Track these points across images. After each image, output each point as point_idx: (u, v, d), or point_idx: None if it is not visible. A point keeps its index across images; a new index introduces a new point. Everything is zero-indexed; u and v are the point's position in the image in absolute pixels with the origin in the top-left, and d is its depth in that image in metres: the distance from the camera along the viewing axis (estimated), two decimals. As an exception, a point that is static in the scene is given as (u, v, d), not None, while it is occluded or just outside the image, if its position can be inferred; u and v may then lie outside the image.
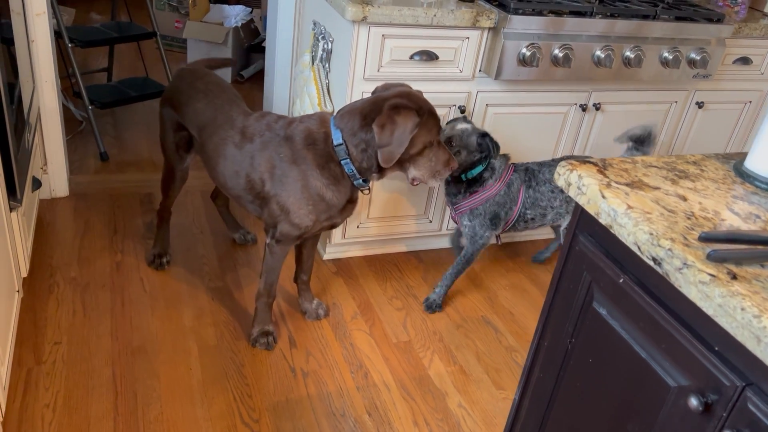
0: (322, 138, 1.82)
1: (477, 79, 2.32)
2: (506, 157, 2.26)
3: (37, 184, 2.30)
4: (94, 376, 1.88)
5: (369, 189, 1.93)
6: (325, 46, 2.34)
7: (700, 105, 2.71)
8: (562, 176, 1.16)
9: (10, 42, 2.16)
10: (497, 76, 2.26)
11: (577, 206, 1.19)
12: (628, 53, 2.37)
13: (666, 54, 2.43)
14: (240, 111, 1.97)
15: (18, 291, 1.94)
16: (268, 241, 1.96)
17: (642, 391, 1.04)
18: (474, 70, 2.29)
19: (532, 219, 2.31)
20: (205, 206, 2.77)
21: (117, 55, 3.79)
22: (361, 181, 1.86)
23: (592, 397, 1.16)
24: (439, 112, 2.31)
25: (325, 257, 2.58)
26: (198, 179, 2.92)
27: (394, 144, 1.74)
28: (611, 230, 1.05)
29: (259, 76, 4.06)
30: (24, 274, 2.06)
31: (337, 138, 1.80)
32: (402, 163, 1.83)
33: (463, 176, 2.20)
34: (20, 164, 1.95)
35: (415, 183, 1.90)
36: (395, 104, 1.73)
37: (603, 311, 1.13)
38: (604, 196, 1.07)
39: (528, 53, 2.22)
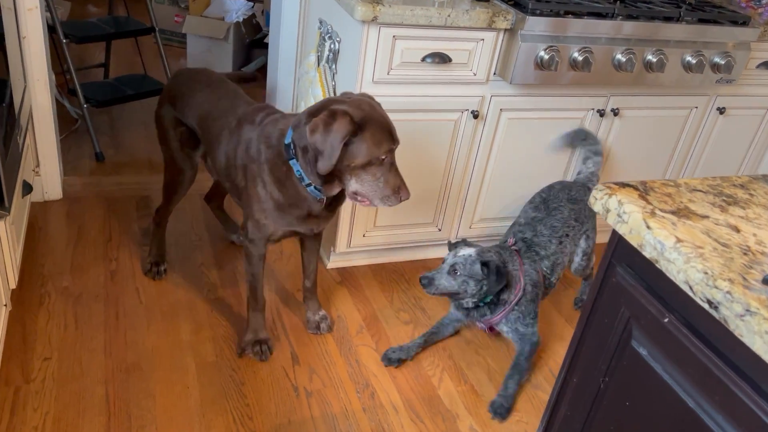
0: (277, 135, 1.76)
1: (491, 83, 2.21)
2: (512, 255, 2.02)
3: (27, 188, 2.19)
4: (85, 396, 1.78)
5: (322, 201, 1.77)
6: (332, 46, 2.22)
7: (721, 111, 2.60)
8: (599, 201, 1.06)
9: (2, 39, 2.05)
10: (513, 80, 2.15)
11: (614, 234, 1.09)
12: (650, 57, 2.26)
13: (689, 58, 2.32)
14: (243, 101, 1.97)
15: (5, 305, 1.83)
16: (243, 242, 1.93)
17: (689, 444, 0.94)
18: (488, 73, 2.18)
19: (557, 279, 2.12)
20: (204, 212, 2.66)
21: (114, 51, 3.67)
22: (313, 188, 1.74)
23: (629, 444, 1.06)
24: (452, 116, 2.21)
25: (329, 266, 2.47)
26: (195, 182, 2.80)
27: (326, 150, 1.61)
28: (657, 265, 0.94)
29: (260, 73, 3.94)
30: (12, 286, 1.95)
31: (288, 137, 1.73)
32: (342, 175, 1.69)
33: (481, 303, 1.99)
34: (8, 170, 1.84)
35: (359, 199, 1.72)
36: (334, 109, 1.61)
37: (643, 351, 1.02)
38: (649, 227, 0.96)
39: (546, 56, 2.11)
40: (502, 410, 1.93)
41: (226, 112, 1.92)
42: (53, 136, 2.51)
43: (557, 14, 2.11)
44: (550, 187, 2.24)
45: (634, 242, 0.98)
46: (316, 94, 2.26)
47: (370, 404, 1.91)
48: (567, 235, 2.11)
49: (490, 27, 2.06)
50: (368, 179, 1.67)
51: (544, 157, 2.44)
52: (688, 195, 1.07)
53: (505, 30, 2.11)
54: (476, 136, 2.29)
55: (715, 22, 2.33)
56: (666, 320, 0.97)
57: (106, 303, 2.11)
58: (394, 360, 2.05)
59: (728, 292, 0.83)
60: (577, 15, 2.14)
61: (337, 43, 2.20)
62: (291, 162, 1.73)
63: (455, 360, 2.12)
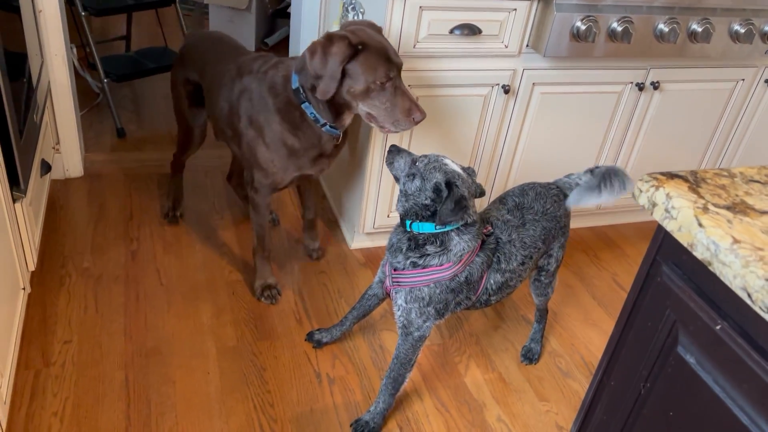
0: (282, 82, 1.79)
1: (523, 56, 2.09)
2: (477, 236, 1.62)
3: (46, 167, 2.15)
4: (105, 381, 1.75)
5: (338, 137, 1.84)
6: (356, 18, 2.12)
7: (769, 83, 2.44)
8: (644, 193, 0.96)
9: (16, 11, 1.99)
10: (546, 53, 2.02)
11: (660, 228, 0.99)
12: (694, 26, 2.11)
13: (737, 27, 2.16)
14: (242, 51, 2.02)
15: (24, 288, 1.80)
16: (248, 192, 1.97)
17: (742, 464, 0.85)
18: (521, 45, 2.06)
19: (497, 301, 1.75)
20: (227, 189, 2.61)
21: (135, 23, 3.60)
22: (328, 126, 1.80)
23: (673, 458, 0.98)
24: (481, 91, 2.10)
25: (353, 246, 2.40)
26: (218, 158, 2.76)
27: (326, 75, 1.65)
28: (710, 267, 0.85)
29: (284, 44, 3.85)
30: (32, 268, 1.92)
31: (294, 81, 1.76)
32: (349, 104, 1.73)
33: (407, 223, 1.60)
34: (24, 150, 1.80)
35: (373, 123, 1.75)
36: (331, 33, 1.66)
37: (691, 359, 0.93)
38: (701, 225, 0.86)
39: (583, 27, 1.98)
40: (367, 429, 1.68)
41: (226, 61, 1.97)
42: (73, 113, 2.46)
43: (595, -19, 1.97)
44: (524, 192, 1.80)
45: (683, 241, 0.89)
46: (338, 69, 2.16)
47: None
48: (531, 258, 1.73)
49: (523, -4, 1.94)
50: (376, 103, 1.70)
51: (579, 134, 2.32)
52: (745, 187, 0.96)
53: (539, -1, 1.98)
54: (507, 112, 2.18)
55: (767, -13, 2.16)
56: (718, 327, 0.87)
57: (127, 284, 2.08)
58: (315, 341, 1.96)
59: (794, 303, 0.73)
60: (617, -18, 2.00)
61: (360, 15, 2.09)
62: (303, 106, 1.76)
63: (483, 346, 2.05)
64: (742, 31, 2.16)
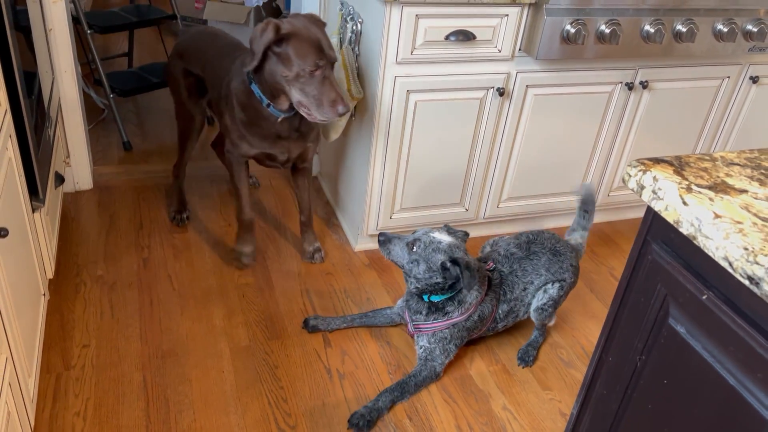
0: (242, 66, 1.98)
1: (516, 59, 2.17)
2: (484, 280, 1.91)
3: (60, 179, 2.23)
4: (124, 382, 1.82)
5: (282, 120, 1.99)
6: (354, 27, 2.20)
7: (754, 80, 2.53)
8: (633, 177, 1.04)
9: (27, 31, 2.07)
10: (538, 56, 2.11)
11: (649, 210, 1.07)
12: (679, 27, 2.20)
13: (720, 26, 2.26)
14: (242, 48, 2.16)
15: (44, 294, 1.87)
16: (225, 157, 2.19)
17: (730, 422, 0.92)
18: (513, 49, 2.14)
19: (504, 326, 2.02)
20: (232, 197, 2.68)
21: (137, 40, 3.69)
22: (272, 108, 1.96)
23: (669, 422, 1.05)
24: (477, 94, 2.19)
25: (357, 248, 2.48)
26: (222, 169, 2.83)
27: (254, 50, 1.84)
28: (695, 241, 0.92)
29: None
30: (50, 275, 1.99)
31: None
32: (284, 87, 1.89)
33: (424, 297, 1.87)
34: (42, 161, 1.87)
35: (303, 111, 1.90)
36: (268, 20, 1.83)
37: (681, 329, 1.01)
38: (685, 203, 0.94)
39: (572, 30, 2.07)
40: (362, 421, 1.75)
41: (226, 57, 2.14)
42: (82, 127, 2.54)
43: (583, -14, 2.07)
44: (540, 232, 2.05)
45: (670, 219, 0.96)
46: (339, 77, 2.24)
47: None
48: (532, 283, 1.95)
49: (514, 2, 2.02)
50: (305, 91, 1.86)
51: (572, 133, 2.41)
52: (725, 169, 1.04)
53: (530, 5, 2.07)
54: (502, 114, 2.27)
55: (747, -13, 2.26)
56: (704, 297, 0.95)
57: (140, 290, 2.15)
58: (309, 327, 2.05)
59: (770, 268, 0.81)
60: (604, -14, 2.09)
61: (359, 24, 2.18)
62: (252, 86, 1.95)
63: (486, 340, 2.12)
64: (725, 30, 2.26)
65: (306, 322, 2.06)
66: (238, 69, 2.02)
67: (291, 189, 2.78)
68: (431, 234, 1.81)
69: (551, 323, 2.11)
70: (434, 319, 1.88)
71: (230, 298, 2.17)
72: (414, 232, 1.86)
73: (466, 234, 1.92)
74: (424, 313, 1.88)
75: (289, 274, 2.31)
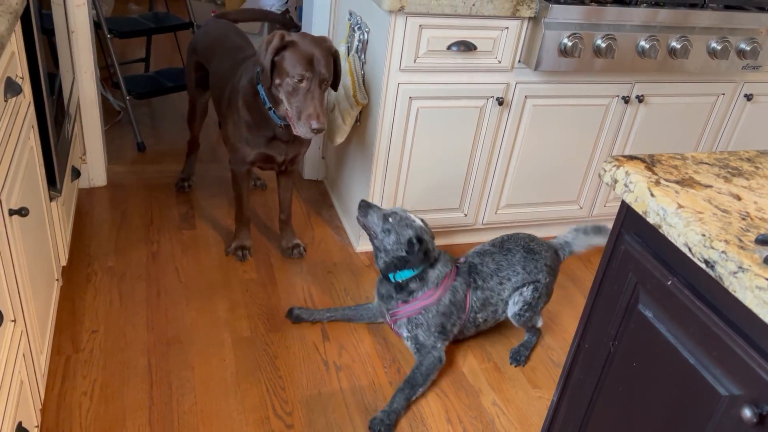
0: (252, 69, 2.10)
1: (516, 70, 2.26)
2: (449, 263, 2.00)
3: (76, 173, 2.33)
4: (129, 366, 1.90)
5: (282, 127, 2.09)
6: (361, 36, 2.31)
7: (748, 97, 2.60)
8: (608, 173, 1.12)
9: (50, 33, 2.19)
10: (537, 67, 2.20)
11: (623, 204, 1.15)
12: (674, 43, 2.29)
13: (714, 44, 2.34)
14: (246, 50, 2.31)
15: (57, 280, 1.97)
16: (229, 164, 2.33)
17: (690, 399, 0.99)
18: (513, 60, 2.24)
19: (484, 321, 2.05)
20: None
21: (154, 46, 3.82)
22: (272, 112, 2.06)
23: (636, 402, 1.12)
24: (477, 103, 2.28)
25: (358, 249, 2.56)
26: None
27: (262, 60, 1.97)
28: (660, 230, 1.00)
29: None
30: (63, 263, 2.09)
31: (258, 68, 2.05)
32: (278, 95, 2.01)
33: (390, 276, 1.96)
34: (60, 155, 1.98)
35: (289, 121, 2.01)
36: (276, 32, 1.98)
37: (649, 314, 1.08)
38: (653, 195, 1.02)
39: (569, 43, 2.16)
40: (382, 427, 1.78)
41: (229, 59, 2.29)
42: (99, 126, 2.65)
43: (581, 2, 2.16)
44: (516, 234, 2.14)
45: (639, 210, 1.04)
46: (346, 84, 2.34)
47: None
48: (509, 279, 2.02)
49: (514, 15, 2.12)
50: (290, 102, 1.97)
51: (570, 144, 2.49)
52: (694, 167, 1.12)
53: (529, 18, 2.16)
54: (501, 123, 2.35)
55: (741, 8, 2.34)
56: (669, 283, 1.03)
57: (148, 282, 2.24)
58: (293, 316, 2.14)
59: (723, 252, 0.89)
60: (601, 3, 2.18)
61: (366, 34, 2.28)
62: (258, 86, 2.06)
63: (479, 339, 2.19)
64: (719, 48, 2.34)
65: (290, 312, 2.15)
66: (246, 71, 2.14)
67: (296, 192, 2.87)
68: (408, 213, 1.96)
69: (539, 324, 2.17)
70: (402, 301, 1.96)
71: (234, 291, 2.25)
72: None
73: (424, 221, 2.03)
74: (393, 295, 1.97)
75: (292, 272, 2.39)
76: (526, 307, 2.04)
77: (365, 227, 1.99)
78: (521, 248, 2.07)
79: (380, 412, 1.83)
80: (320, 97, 1.97)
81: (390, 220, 1.92)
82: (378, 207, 1.98)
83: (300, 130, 1.98)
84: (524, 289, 2.04)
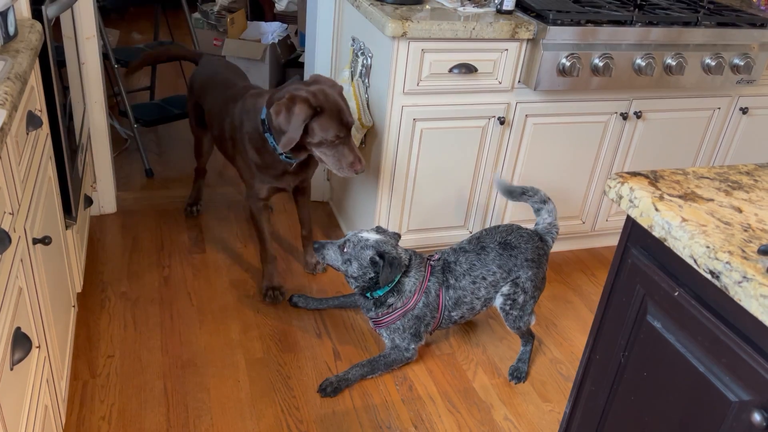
0: (254, 112, 2.11)
1: (516, 90, 2.32)
2: (422, 266, 2.02)
3: (88, 201, 2.38)
4: (146, 389, 1.93)
5: (292, 165, 2.15)
6: (365, 61, 2.37)
7: (744, 111, 2.66)
8: (613, 189, 1.16)
9: (62, 65, 2.25)
10: (536, 87, 2.26)
11: (629, 218, 1.19)
12: (669, 60, 2.35)
13: (708, 60, 2.40)
14: (241, 82, 2.36)
15: (73, 306, 2.00)
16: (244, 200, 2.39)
17: (701, 406, 1.03)
18: (513, 81, 2.30)
19: (461, 317, 2.06)
20: (247, 222, 2.82)
21: (159, 75, 3.89)
22: (284, 156, 2.09)
23: (649, 411, 1.16)
24: (479, 123, 2.33)
25: (367, 269, 2.60)
26: (239, 194, 2.99)
27: (290, 131, 1.94)
28: (665, 243, 1.04)
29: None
30: (78, 289, 2.13)
31: (263, 113, 2.07)
32: (306, 147, 2.04)
33: (367, 294, 2.00)
34: (75, 183, 2.02)
35: (324, 164, 2.06)
36: (294, 94, 1.94)
37: (658, 325, 1.12)
38: (657, 209, 1.06)
39: (567, 63, 2.22)
40: (330, 388, 1.96)
41: (219, 96, 2.33)
42: (108, 154, 2.71)
43: (577, 23, 2.22)
44: (495, 227, 2.12)
45: (644, 224, 1.09)
46: (351, 107, 2.40)
47: (409, 396, 2.02)
48: (484, 278, 2.01)
49: (513, 38, 2.18)
50: (326, 153, 2.03)
51: (571, 160, 2.54)
52: (696, 182, 1.17)
53: (528, 40, 2.22)
54: (503, 142, 2.41)
55: (733, 25, 2.41)
56: (676, 294, 1.07)
57: (161, 306, 2.27)
58: (292, 302, 2.30)
59: (728, 263, 0.93)
60: (597, 23, 2.25)
61: (369, 59, 2.34)
62: (266, 135, 2.07)
63: (489, 355, 2.22)
64: (713, 64, 2.40)
65: (290, 298, 2.34)
66: (245, 114, 2.14)
67: (304, 214, 2.91)
68: (359, 234, 1.97)
69: (532, 322, 2.12)
70: (383, 314, 2.01)
71: (246, 313, 2.29)
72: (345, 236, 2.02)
73: (398, 235, 2.06)
74: (373, 310, 2.02)
75: (302, 291, 2.43)
76: (510, 303, 2.03)
77: (330, 266, 2.05)
78: (497, 244, 2.03)
79: (334, 376, 2.01)
80: (352, 142, 2.05)
81: (346, 249, 1.95)
82: (331, 242, 2.01)
83: (341, 173, 2.06)
84: (504, 286, 2.03)
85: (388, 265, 1.90)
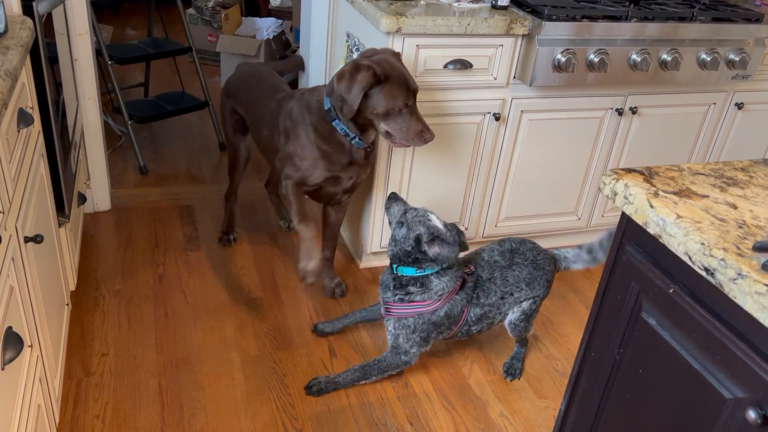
0: (316, 104, 2.08)
1: (511, 86, 2.32)
2: (457, 278, 1.93)
3: (82, 199, 2.36)
4: (140, 388, 1.92)
5: (369, 147, 2.11)
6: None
7: (739, 106, 2.66)
8: (608, 185, 1.16)
9: (53, 61, 2.23)
10: (532, 83, 2.25)
11: (623, 215, 1.18)
12: (664, 56, 2.34)
13: (704, 56, 2.40)
14: (281, 90, 2.30)
15: (67, 304, 1.99)
16: (280, 189, 2.25)
17: (696, 403, 1.03)
18: (508, 77, 2.29)
19: (478, 331, 2.02)
20: (243, 219, 2.81)
21: (152, 71, 3.87)
22: (357, 139, 2.05)
23: (643, 408, 1.15)
24: (475, 119, 2.32)
25: (362, 266, 2.59)
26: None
27: (350, 98, 1.92)
28: (660, 240, 1.04)
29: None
30: (72, 287, 2.12)
31: (326, 103, 2.04)
32: (371, 122, 2.00)
33: (393, 267, 1.95)
34: (68, 181, 2.01)
35: (391, 140, 2.01)
36: (358, 62, 1.91)
37: (652, 322, 1.12)
38: (652, 206, 1.06)
39: (563, 59, 2.21)
40: (317, 388, 1.96)
41: (266, 99, 2.27)
42: (102, 151, 2.69)
43: (573, 19, 2.22)
44: (523, 241, 2.07)
45: (639, 221, 1.08)
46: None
47: (404, 393, 2.02)
48: (511, 294, 1.99)
49: (508, 33, 2.17)
50: (393, 125, 1.97)
51: (566, 156, 2.53)
52: (691, 178, 1.16)
53: (523, 35, 2.22)
54: (498, 138, 2.40)
55: (728, 20, 2.41)
56: (671, 291, 1.06)
57: (156, 303, 2.27)
58: (318, 330, 2.21)
59: (722, 259, 0.92)
60: (592, 19, 2.24)
61: (364, 55, 2.33)
62: (334, 123, 2.04)
63: (485, 352, 2.22)
64: (709, 59, 2.40)
65: (315, 327, 2.22)
66: (308, 106, 2.08)
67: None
68: (428, 213, 1.92)
69: (531, 332, 2.18)
70: (399, 299, 1.91)
71: (241, 311, 2.28)
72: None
73: (460, 233, 1.96)
74: (391, 287, 1.93)
75: (297, 289, 2.42)
76: (523, 317, 2.04)
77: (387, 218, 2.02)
78: (529, 264, 2.01)
79: (324, 377, 1.99)
80: (418, 111, 2.00)
81: (407, 215, 1.91)
82: (404, 202, 1.98)
83: (410, 143, 2.01)
84: (524, 303, 2.03)
85: (432, 260, 1.86)
